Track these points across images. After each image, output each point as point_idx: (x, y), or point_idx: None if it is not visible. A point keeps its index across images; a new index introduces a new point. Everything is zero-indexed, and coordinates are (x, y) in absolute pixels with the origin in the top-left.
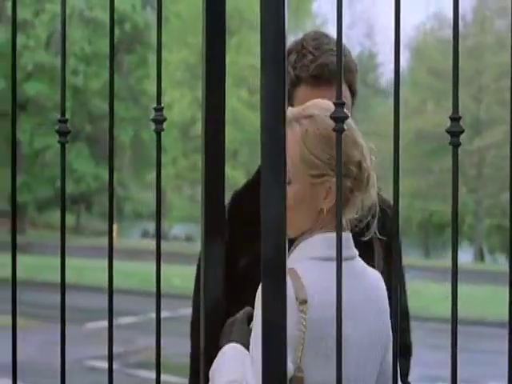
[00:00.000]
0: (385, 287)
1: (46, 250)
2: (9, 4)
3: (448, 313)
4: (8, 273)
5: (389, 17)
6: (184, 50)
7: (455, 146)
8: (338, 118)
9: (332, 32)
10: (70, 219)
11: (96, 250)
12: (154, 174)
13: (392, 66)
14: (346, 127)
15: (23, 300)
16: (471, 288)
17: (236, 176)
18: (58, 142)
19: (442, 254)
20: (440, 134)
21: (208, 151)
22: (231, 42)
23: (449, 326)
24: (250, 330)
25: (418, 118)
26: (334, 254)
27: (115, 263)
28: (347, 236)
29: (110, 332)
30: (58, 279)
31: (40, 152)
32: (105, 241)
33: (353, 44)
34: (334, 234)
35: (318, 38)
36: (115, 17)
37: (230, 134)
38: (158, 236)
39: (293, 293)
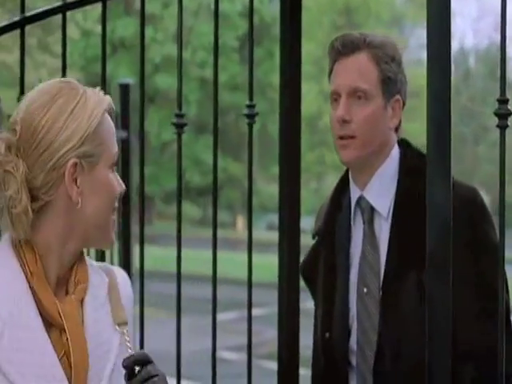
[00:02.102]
0: None
1: (174, 242)
2: None
3: None
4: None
5: None
6: (311, 43)
7: None
8: (502, 115)
9: (460, 24)
10: (196, 211)
11: (223, 242)
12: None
13: None
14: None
15: (152, 291)
16: None
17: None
18: (174, 133)
19: None
20: None
21: (285, 145)
22: None
23: None
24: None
25: None
26: None
27: (241, 255)
28: None
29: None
30: (185, 270)
31: (167, 144)
32: (232, 233)
33: (481, 37)
34: None
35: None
36: (242, 10)
37: None
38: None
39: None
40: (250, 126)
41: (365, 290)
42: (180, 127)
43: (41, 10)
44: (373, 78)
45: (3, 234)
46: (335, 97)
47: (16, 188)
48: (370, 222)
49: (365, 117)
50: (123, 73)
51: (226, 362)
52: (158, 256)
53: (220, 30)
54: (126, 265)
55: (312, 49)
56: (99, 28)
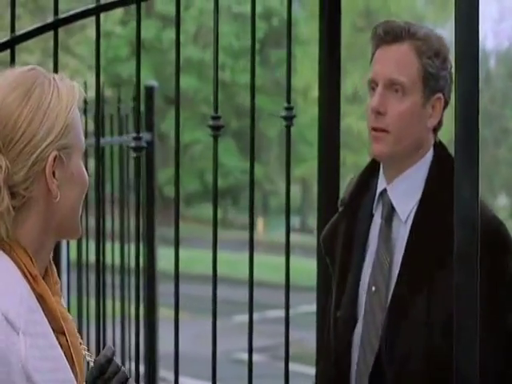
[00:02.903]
0: None
1: (195, 244)
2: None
3: None
4: (162, 266)
5: None
6: None
7: None
8: None
9: (480, 26)
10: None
11: (243, 244)
12: (300, 169)
13: None
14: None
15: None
16: None
17: None
18: (211, 135)
19: None
20: None
21: (324, 150)
22: None
23: None
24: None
25: None
26: None
27: (261, 257)
28: None
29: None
30: (208, 272)
31: (188, 146)
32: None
33: (501, 39)
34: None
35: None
36: (262, 12)
37: None
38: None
39: None
40: (288, 128)
41: (373, 288)
42: (216, 129)
43: (74, 11)
44: (413, 72)
45: None
46: (373, 85)
47: None
48: (387, 220)
49: (400, 112)
50: (143, 74)
51: (245, 364)
52: (184, 258)
53: (241, 32)
54: (150, 266)
55: None
56: (119, 29)
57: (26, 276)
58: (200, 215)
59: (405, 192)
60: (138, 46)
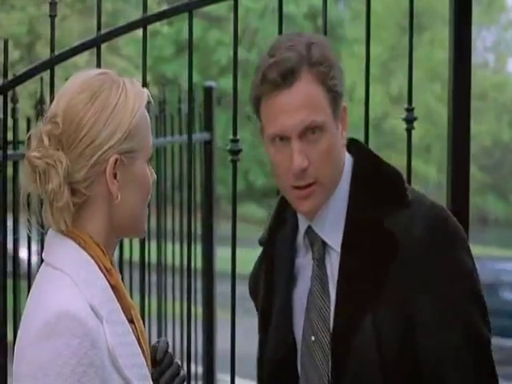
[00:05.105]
0: None
1: (242, 243)
2: None
3: None
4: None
5: None
6: (378, 46)
7: None
8: None
9: None
10: (260, 212)
11: None
12: None
13: None
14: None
15: (219, 291)
16: None
17: (429, 172)
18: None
19: None
20: None
21: (455, 153)
22: (424, 37)
23: None
24: None
25: None
26: None
27: None
28: None
29: None
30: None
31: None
32: None
33: None
34: None
35: (279, 39)
36: (307, 12)
37: (423, 128)
38: None
39: None
40: (409, 131)
41: (312, 338)
42: None
43: (166, 8)
44: (323, 104)
45: (50, 230)
46: (276, 139)
47: (58, 182)
48: (320, 259)
49: (323, 154)
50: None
51: None
52: (224, 257)
53: (285, 33)
54: (208, 267)
55: (379, 51)
56: (166, 29)
57: (100, 268)
58: (245, 214)
59: (331, 220)
60: (235, 50)
